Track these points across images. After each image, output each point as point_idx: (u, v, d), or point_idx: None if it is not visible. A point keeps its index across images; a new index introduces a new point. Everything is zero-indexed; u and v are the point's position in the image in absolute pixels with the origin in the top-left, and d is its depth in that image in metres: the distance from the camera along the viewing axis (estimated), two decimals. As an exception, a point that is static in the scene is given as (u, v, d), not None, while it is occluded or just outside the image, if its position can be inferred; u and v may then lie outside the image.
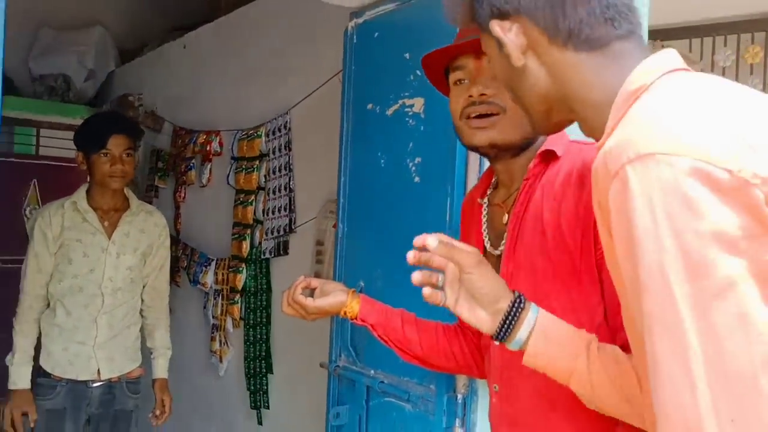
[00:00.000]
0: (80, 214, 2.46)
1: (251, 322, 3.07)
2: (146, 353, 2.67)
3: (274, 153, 3.01)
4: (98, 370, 2.46)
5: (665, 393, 0.66)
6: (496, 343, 0.99)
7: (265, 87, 3.15)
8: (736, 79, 2.94)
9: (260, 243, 3.04)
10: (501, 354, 1.16)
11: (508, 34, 0.87)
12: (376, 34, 2.04)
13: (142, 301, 2.63)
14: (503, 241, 1.18)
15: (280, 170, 2.97)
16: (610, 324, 1.01)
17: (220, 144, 3.43)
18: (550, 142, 1.13)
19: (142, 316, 2.65)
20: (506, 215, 1.19)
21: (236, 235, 3.19)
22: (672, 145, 0.67)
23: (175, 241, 3.82)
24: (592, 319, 1.02)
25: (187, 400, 3.66)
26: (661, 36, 3.11)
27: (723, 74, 2.99)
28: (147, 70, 4.40)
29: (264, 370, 3.02)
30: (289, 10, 2.96)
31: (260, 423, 3.06)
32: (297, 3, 2.86)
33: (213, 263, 3.37)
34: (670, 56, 0.82)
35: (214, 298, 3.36)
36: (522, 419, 1.13)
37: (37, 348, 2.47)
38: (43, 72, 4.96)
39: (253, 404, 3.06)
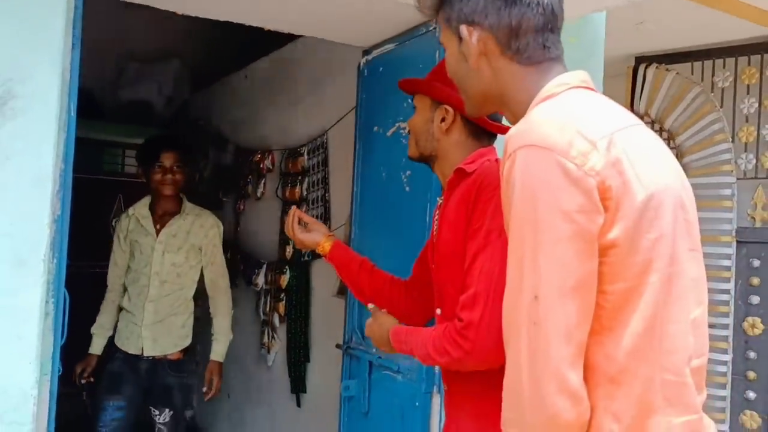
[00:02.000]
0: (138, 219, 3.00)
1: (293, 316, 3.51)
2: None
3: (313, 169, 3.45)
4: (142, 347, 2.95)
5: (506, 294, 1.00)
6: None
7: (307, 111, 3.61)
8: (734, 98, 3.17)
9: (301, 247, 3.48)
10: (441, 322, 1.53)
11: (472, 38, 1.15)
12: (381, 68, 2.45)
13: (206, 292, 3.11)
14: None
15: (318, 184, 3.41)
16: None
17: (272, 161, 3.91)
18: (466, 162, 1.49)
19: (198, 305, 3.12)
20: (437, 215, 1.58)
21: (282, 241, 3.65)
22: (547, 142, 0.97)
23: (234, 247, 4.33)
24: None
25: (241, 387, 4.14)
26: (666, 60, 3.37)
27: (722, 94, 3.22)
28: (215, 96, 4.97)
29: (303, 359, 3.44)
30: (326, 47, 3.40)
31: (299, 405, 3.48)
32: (331, 42, 3.31)
33: (264, 266, 3.84)
34: (576, 76, 1.13)
35: (264, 297, 3.82)
36: (452, 371, 1.48)
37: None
38: (129, 99, 5.63)
39: (293, 389, 3.49)
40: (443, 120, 1.53)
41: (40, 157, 1.48)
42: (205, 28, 4.78)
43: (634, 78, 3.45)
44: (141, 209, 3.04)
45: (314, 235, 1.87)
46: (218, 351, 3.10)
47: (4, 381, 1.43)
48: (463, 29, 1.17)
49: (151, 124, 5.54)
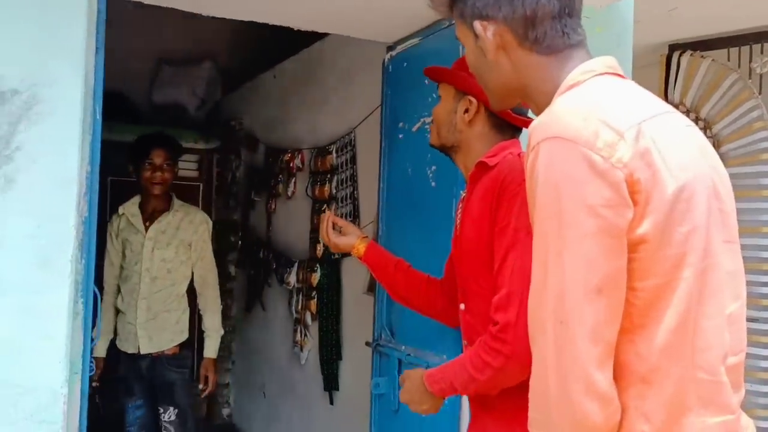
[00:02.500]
0: (128, 217, 3.07)
1: (324, 314, 3.52)
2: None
3: (342, 167, 3.46)
4: (139, 346, 3.00)
5: (531, 292, 0.97)
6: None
7: (335, 109, 3.61)
8: (773, 84, 3.07)
9: (331, 245, 3.49)
10: (465, 318, 1.51)
11: (487, 33, 1.12)
12: (405, 64, 2.43)
13: (195, 289, 3.15)
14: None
15: (346, 181, 3.41)
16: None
17: (302, 160, 3.93)
18: (488, 155, 1.48)
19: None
20: (460, 209, 1.56)
21: (313, 240, 3.66)
22: (571, 134, 0.93)
23: (266, 246, 4.36)
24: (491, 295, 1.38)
25: (276, 386, 4.17)
26: (701, 47, 3.27)
27: (760, 80, 3.11)
28: (246, 97, 5.01)
29: (335, 357, 3.45)
30: (352, 44, 3.40)
31: (332, 403, 3.49)
32: (357, 39, 3.30)
33: (295, 265, 3.86)
34: (602, 62, 1.08)
35: (296, 295, 3.84)
36: None
37: None
38: (163, 102, 5.71)
39: (326, 387, 3.50)
40: (467, 111, 1.52)
41: (66, 160, 1.51)
42: (234, 29, 4.84)
43: (668, 66, 3.36)
44: (130, 207, 3.10)
45: (349, 239, 1.87)
46: (210, 347, 3.15)
47: (34, 380, 1.46)
48: (477, 25, 1.13)
49: (185, 125, 5.62)
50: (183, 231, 3.10)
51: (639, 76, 2.45)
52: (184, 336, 3.09)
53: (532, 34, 1.10)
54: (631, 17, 2.33)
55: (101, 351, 3.04)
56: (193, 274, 3.13)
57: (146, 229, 3.06)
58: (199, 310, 3.18)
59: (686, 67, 3.29)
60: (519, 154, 1.47)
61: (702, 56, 3.25)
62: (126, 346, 3.03)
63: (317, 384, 3.62)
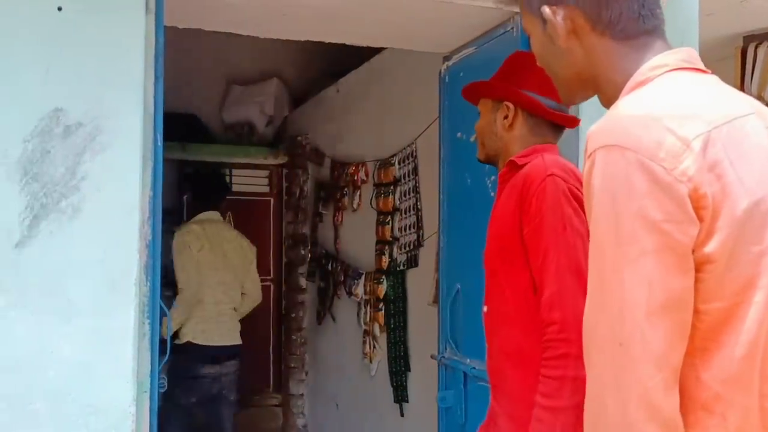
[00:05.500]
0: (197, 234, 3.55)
1: (392, 326, 3.52)
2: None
3: (404, 178, 3.46)
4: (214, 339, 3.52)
5: (587, 309, 0.91)
6: None
7: (397, 121, 3.62)
8: None
9: (396, 257, 3.50)
10: (486, 320, 1.52)
11: (557, 17, 1.03)
12: (461, 74, 2.41)
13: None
14: None
15: (409, 193, 3.40)
16: (537, 294, 1.34)
17: (366, 173, 3.95)
18: (519, 155, 1.48)
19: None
20: None
21: (378, 251, 3.67)
22: (630, 142, 0.86)
23: (334, 258, 4.41)
24: (517, 290, 1.39)
25: (348, 397, 4.20)
26: (757, 39, 3.11)
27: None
28: (311, 112, 5.09)
29: (403, 368, 3.44)
30: (411, 55, 3.41)
31: (402, 415, 3.48)
32: (416, 51, 3.31)
33: (362, 276, 3.89)
34: (679, 55, 0.98)
35: (364, 307, 3.86)
36: (494, 367, 1.51)
37: None
38: (233, 121, 5.88)
39: (395, 398, 3.49)
40: (506, 117, 1.53)
41: (128, 187, 1.57)
42: (299, 48, 4.94)
43: (744, 59, 3.19)
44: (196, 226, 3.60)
45: None
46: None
47: (103, 400, 1.52)
48: (546, 10, 1.05)
49: (255, 143, 5.77)
50: (238, 255, 3.84)
51: (713, 70, 2.34)
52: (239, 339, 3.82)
53: (606, 15, 1.01)
54: (696, 11, 2.23)
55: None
56: None
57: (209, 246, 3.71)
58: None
59: (763, 58, 3.12)
60: (542, 156, 1.46)
61: (757, 47, 3.08)
62: (203, 339, 3.53)
63: (387, 395, 3.62)
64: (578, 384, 1.25)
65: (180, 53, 4.91)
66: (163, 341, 1.85)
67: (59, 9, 1.53)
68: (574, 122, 1.60)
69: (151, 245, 1.67)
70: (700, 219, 0.85)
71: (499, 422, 1.45)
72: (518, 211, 1.38)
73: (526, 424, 1.29)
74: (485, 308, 1.53)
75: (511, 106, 1.51)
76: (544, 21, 1.06)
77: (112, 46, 1.56)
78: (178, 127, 5.33)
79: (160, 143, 1.73)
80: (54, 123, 1.50)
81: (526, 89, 1.49)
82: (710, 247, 0.85)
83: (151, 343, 1.68)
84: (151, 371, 1.69)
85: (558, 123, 1.54)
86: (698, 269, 0.86)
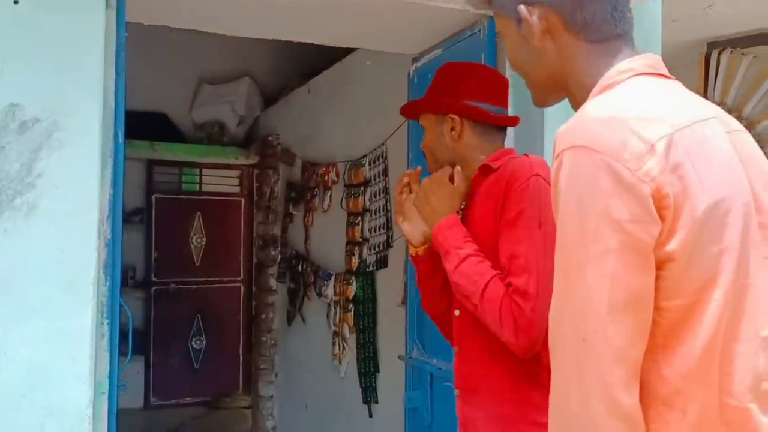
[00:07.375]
0: None
1: (361, 327, 3.51)
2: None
3: (375, 179, 3.45)
4: None
5: (553, 306, 0.93)
6: None
7: (367, 122, 3.61)
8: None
9: (366, 258, 3.49)
10: (457, 324, 1.50)
11: (532, 16, 1.04)
12: (429, 75, 2.39)
13: None
14: None
15: (379, 194, 3.40)
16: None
17: (337, 174, 3.94)
18: (491, 159, 1.49)
19: None
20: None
21: (348, 252, 3.66)
22: (596, 143, 0.88)
23: (305, 259, 4.39)
24: None
25: (317, 398, 4.18)
26: (741, 44, 3.16)
27: (806, 76, 2.98)
28: (283, 112, 5.07)
29: (372, 369, 3.44)
30: (382, 57, 3.41)
31: (371, 416, 3.47)
32: (386, 52, 3.31)
33: (332, 278, 3.87)
34: (645, 60, 1.00)
35: (334, 308, 3.85)
36: (467, 371, 1.47)
37: None
38: (203, 120, 5.83)
39: (365, 399, 3.49)
40: (453, 129, 1.53)
41: (87, 184, 1.54)
42: (271, 47, 4.91)
43: (707, 65, 3.24)
44: None
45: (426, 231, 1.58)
46: None
47: (60, 401, 1.49)
48: (522, 9, 1.06)
49: (226, 142, 5.72)
50: None
51: (678, 76, 2.37)
52: None
53: (581, 16, 1.03)
54: (660, 17, 2.26)
55: None
56: None
57: None
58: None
59: (726, 65, 3.17)
60: (526, 155, 1.48)
61: (743, 53, 3.13)
62: None
63: (357, 396, 3.61)
64: (498, 320, 1.34)
65: (150, 51, 4.86)
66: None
67: (15, 2, 1.50)
68: (515, 121, 1.64)
69: (111, 244, 1.64)
70: (662, 218, 0.87)
71: (480, 426, 1.42)
72: (499, 207, 1.39)
73: (516, 421, 1.27)
74: (456, 312, 1.51)
75: (456, 117, 1.52)
76: (518, 22, 1.07)
77: (70, 40, 1.53)
78: (147, 126, 5.28)
79: (121, 140, 1.70)
80: (9, 118, 1.47)
81: (468, 99, 1.51)
82: (671, 246, 0.87)
83: (110, 343, 1.65)
84: (110, 372, 1.66)
85: (501, 125, 1.56)
86: (660, 267, 0.88)
